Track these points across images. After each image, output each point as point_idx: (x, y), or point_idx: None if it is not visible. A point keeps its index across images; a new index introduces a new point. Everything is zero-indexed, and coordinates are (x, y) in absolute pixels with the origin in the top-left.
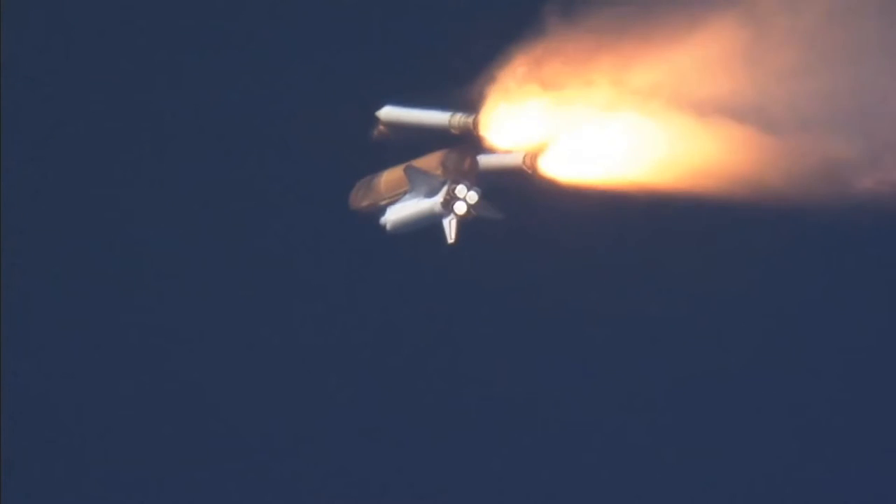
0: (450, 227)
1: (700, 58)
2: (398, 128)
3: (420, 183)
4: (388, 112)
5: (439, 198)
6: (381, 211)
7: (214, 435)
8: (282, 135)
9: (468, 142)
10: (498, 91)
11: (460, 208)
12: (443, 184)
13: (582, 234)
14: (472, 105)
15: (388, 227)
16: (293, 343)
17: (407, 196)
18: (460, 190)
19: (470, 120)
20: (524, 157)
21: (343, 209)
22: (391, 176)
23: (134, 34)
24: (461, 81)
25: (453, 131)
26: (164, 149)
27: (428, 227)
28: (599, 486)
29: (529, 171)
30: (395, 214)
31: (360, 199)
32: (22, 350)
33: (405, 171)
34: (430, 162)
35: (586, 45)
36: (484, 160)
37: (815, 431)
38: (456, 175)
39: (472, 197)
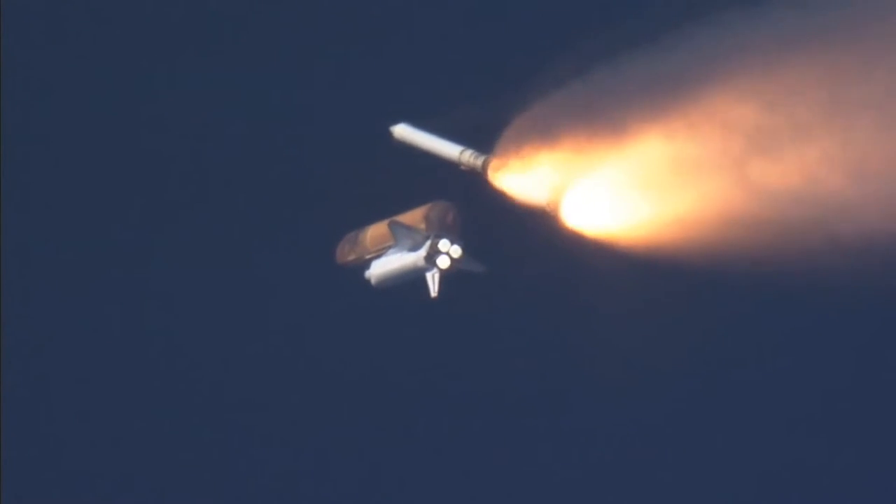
0: (433, 281)
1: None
2: (409, 147)
3: (404, 237)
4: (402, 130)
5: (423, 252)
6: (367, 265)
7: (214, 435)
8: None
9: (479, 175)
10: (512, 139)
11: (443, 262)
12: (426, 238)
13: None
14: (486, 145)
15: (373, 280)
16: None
17: (391, 250)
18: (443, 244)
19: (479, 161)
20: (548, 201)
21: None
22: (376, 231)
23: (132, 34)
24: (484, 110)
25: (462, 167)
26: (168, 155)
27: (412, 280)
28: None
29: (551, 213)
30: (380, 269)
31: (346, 254)
32: (22, 350)
33: (389, 225)
34: (414, 216)
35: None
36: (511, 188)
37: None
38: (439, 229)
39: (456, 251)
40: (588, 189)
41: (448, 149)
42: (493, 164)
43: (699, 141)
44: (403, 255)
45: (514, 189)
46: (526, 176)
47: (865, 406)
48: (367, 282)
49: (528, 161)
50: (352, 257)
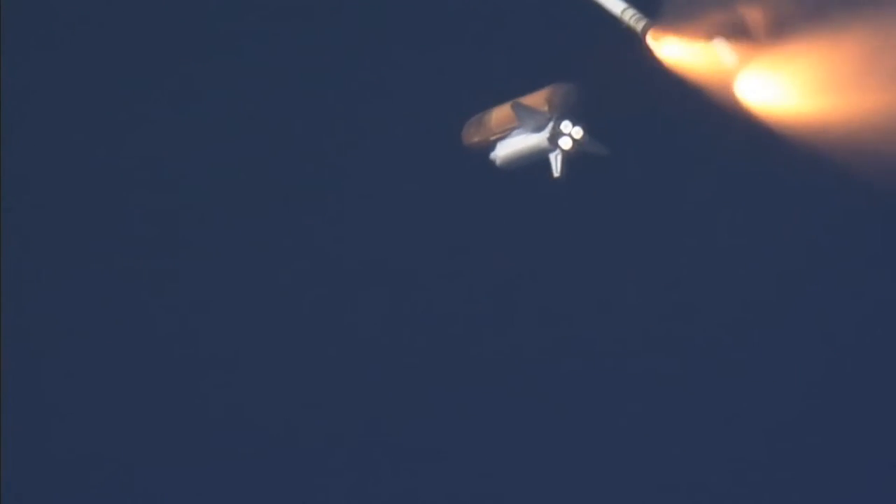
0: (556, 162)
1: None
2: None
3: (527, 119)
4: None
5: (545, 133)
6: (492, 146)
7: (215, 435)
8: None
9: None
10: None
11: (565, 143)
12: (549, 119)
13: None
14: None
15: (498, 161)
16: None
17: (516, 131)
18: (566, 125)
19: (640, 25)
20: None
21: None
22: (501, 113)
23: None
24: None
25: (622, 24)
26: (175, 148)
27: (536, 161)
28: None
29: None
30: (505, 150)
31: (472, 135)
32: (22, 350)
33: (512, 107)
34: (536, 98)
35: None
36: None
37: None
38: (562, 111)
39: (578, 132)
40: (762, 68)
41: (614, 3)
42: (654, 31)
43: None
44: (527, 136)
45: (674, 59)
46: (692, 47)
47: None
48: (493, 162)
49: (694, 32)
50: (477, 138)
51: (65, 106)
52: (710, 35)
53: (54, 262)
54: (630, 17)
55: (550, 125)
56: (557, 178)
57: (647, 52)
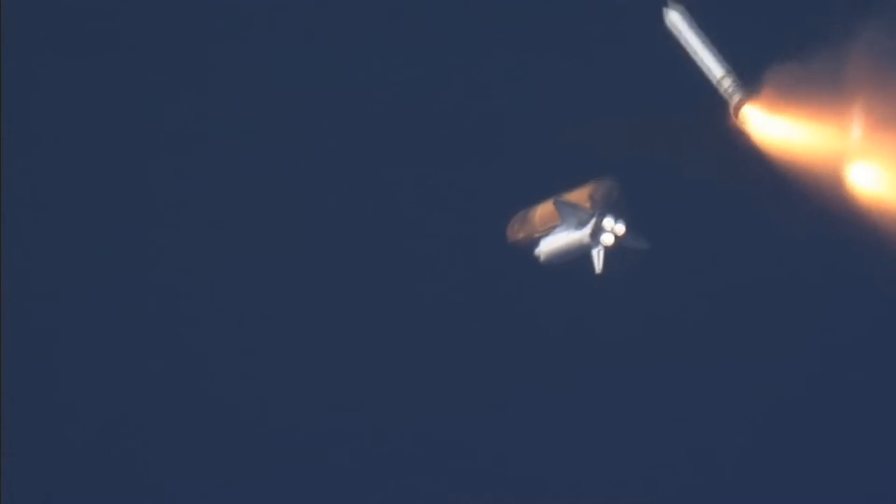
0: (598, 258)
1: None
2: (674, 38)
3: (569, 215)
4: (677, 18)
5: (588, 229)
6: (536, 243)
7: (214, 435)
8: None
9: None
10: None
11: (608, 239)
12: (591, 216)
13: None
14: (750, 90)
15: (542, 258)
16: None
17: (559, 228)
18: (607, 222)
19: (735, 98)
20: (735, 103)
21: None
22: (544, 210)
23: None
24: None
25: (718, 88)
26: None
27: (578, 257)
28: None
29: (732, 113)
30: (548, 246)
31: (516, 232)
32: (22, 350)
33: (554, 204)
34: (579, 195)
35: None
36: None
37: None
38: (604, 207)
39: (620, 228)
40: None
41: (714, 66)
42: (748, 105)
43: None
44: (570, 232)
45: (769, 136)
46: (790, 126)
47: None
48: (537, 259)
49: (792, 112)
50: (521, 235)
51: (64, 106)
52: (817, 116)
53: (54, 262)
54: (728, 83)
55: (593, 221)
56: (600, 274)
57: (735, 127)
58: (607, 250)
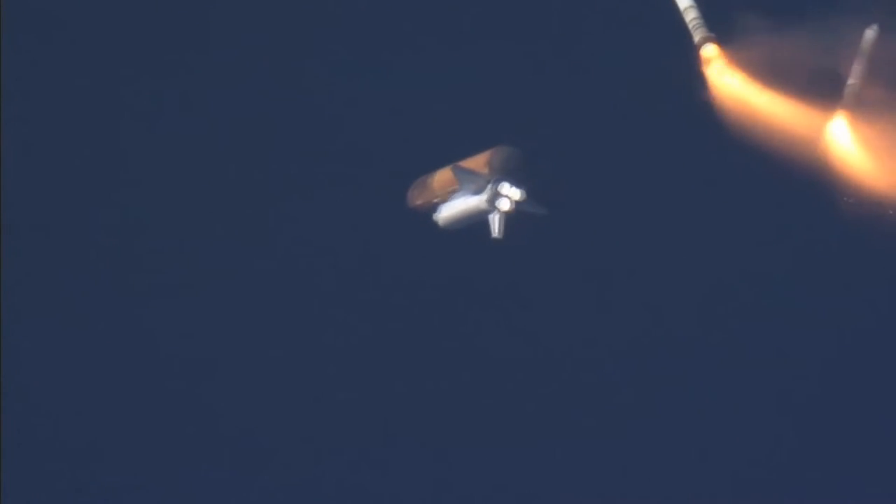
0: (495, 223)
1: None
2: None
3: (468, 181)
4: None
5: (485, 195)
6: (436, 208)
7: (214, 435)
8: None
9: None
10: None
11: (504, 205)
12: (488, 182)
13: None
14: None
15: (441, 223)
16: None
17: (457, 194)
18: (504, 187)
19: (705, 38)
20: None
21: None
22: (443, 176)
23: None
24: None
25: (692, 33)
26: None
27: (477, 222)
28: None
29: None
30: (447, 211)
31: (416, 197)
32: (22, 350)
33: (452, 170)
34: (477, 162)
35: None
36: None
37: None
38: (501, 173)
39: (516, 193)
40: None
41: (690, 9)
42: (712, 46)
43: None
44: (468, 198)
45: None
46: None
47: None
48: (437, 223)
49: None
50: (420, 201)
51: (64, 105)
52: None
53: (53, 262)
54: (701, 31)
55: (490, 187)
56: (497, 238)
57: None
58: (505, 215)
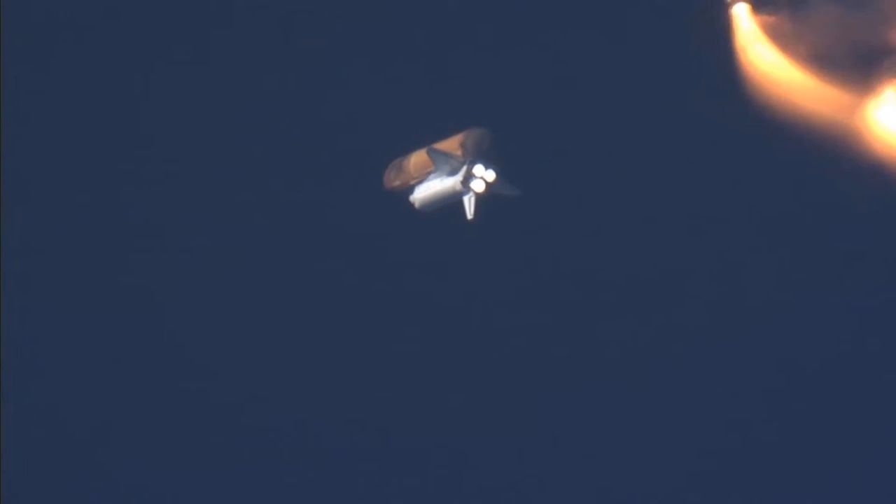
0: (469, 203)
1: None
2: None
3: (442, 163)
4: None
5: (459, 176)
6: (412, 189)
7: (214, 435)
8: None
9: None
10: None
11: (478, 186)
12: (462, 164)
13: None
14: None
15: (417, 204)
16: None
17: (432, 175)
18: (478, 169)
19: None
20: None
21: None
22: (419, 158)
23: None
24: None
25: None
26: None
27: (452, 203)
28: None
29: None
30: (422, 193)
31: (392, 180)
32: (22, 350)
33: (427, 152)
34: (451, 144)
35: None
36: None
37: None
38: (475, 155)
39: (490, 175)
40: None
41: None
42: (743, 6)
43: None
44: (443, 179)
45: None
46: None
47: None
48: (413, 204)
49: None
50: (397, 182)
51: (64, 105)
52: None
53: (53, 262)
54: None
55: (464, 169)
56: (471, 219)
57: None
58: (478, 196)
